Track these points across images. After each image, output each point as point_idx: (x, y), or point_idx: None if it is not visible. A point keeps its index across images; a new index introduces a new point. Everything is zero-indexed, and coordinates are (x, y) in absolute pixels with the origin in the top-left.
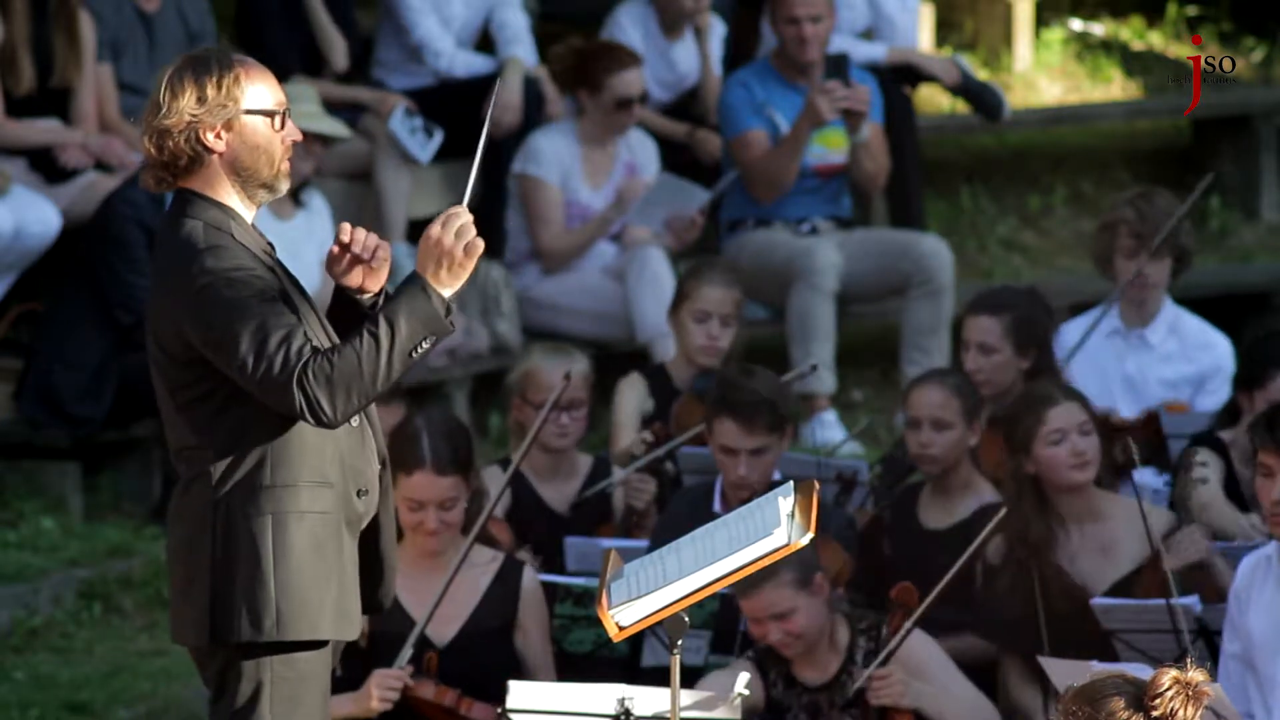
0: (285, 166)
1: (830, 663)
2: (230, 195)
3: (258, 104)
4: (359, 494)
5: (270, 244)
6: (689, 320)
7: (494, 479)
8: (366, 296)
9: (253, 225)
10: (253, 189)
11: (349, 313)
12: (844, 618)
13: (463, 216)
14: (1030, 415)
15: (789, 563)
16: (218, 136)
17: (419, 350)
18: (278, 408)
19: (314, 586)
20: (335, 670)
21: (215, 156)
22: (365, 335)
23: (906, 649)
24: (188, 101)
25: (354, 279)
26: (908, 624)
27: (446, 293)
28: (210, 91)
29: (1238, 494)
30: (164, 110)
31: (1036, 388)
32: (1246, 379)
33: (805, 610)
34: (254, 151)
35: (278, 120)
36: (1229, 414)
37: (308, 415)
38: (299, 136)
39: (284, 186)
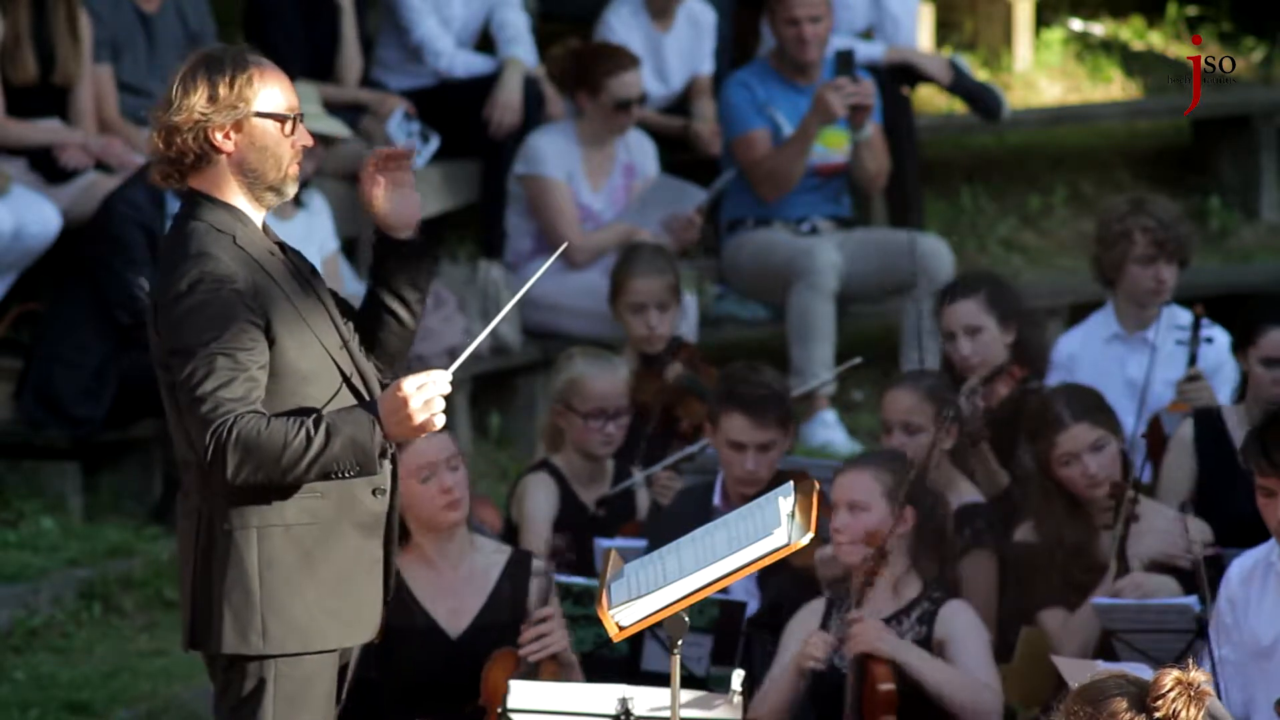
0: (294, 170)
1: (886, 609)
2: (237, 196)
3: (269, 107)
4: (375, 493)
5: (279, 243)
6: (626, 313)
7: (541, 484)
8: (406, 234)
9: (263, 225)
10: (259, 191)
11: (396, 264)
12: (920, 579)
13: (440, 387)
14: (1042, 439)
15: (892, 468)
16: (226, 137)
17: (340, 475)
18: (193, 438)
19: (303, 600)
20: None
21: (223, 157)
22: (303, 430)
23: (944, 619)
24: (199, 99)
25: (392, 208)
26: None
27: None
28: (222, 91)
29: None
30: (174, 106)
31: (1047, 408)
32: (1242, 339)
33: (878, 518)
34: (262, 154)
35: (289, 125)
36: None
37: (206, 462)
38: (310, 142)
39: (291, 190)
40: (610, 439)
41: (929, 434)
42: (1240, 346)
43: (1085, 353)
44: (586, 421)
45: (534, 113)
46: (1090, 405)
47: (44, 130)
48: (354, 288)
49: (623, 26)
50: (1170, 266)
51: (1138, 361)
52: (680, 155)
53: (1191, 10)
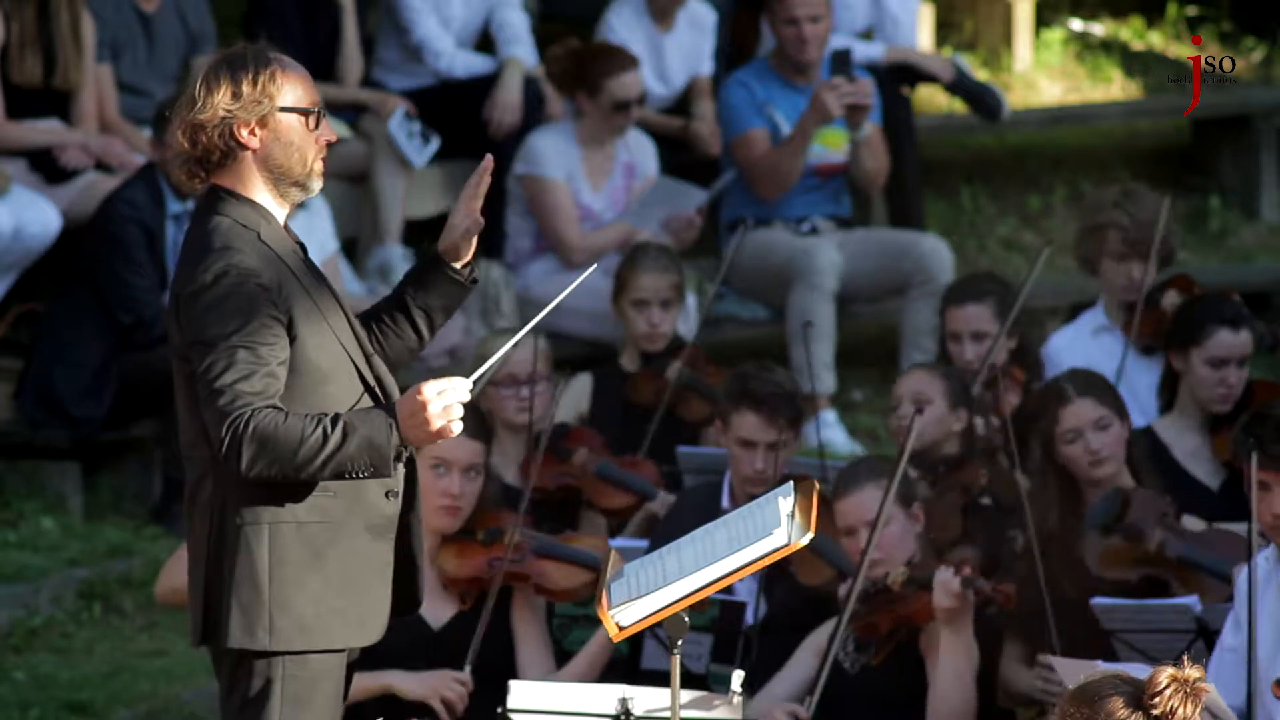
0: (319, 166)
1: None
2: (262, 193)
3: (293, 102)
4: (387, 495)
5: (301, 244)
6: (629, 309)
7: None
8: (460, 265)
9: (285, 225)
10: (285, 187)
11: (441, 284)
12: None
13: (459, 394)
14: (1046, 415)
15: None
16: (251, 133)
17: (354, 475)
18: (209, 430)
19: (312, 598)
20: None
21: (248, 153)
22: (320, 427)
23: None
24: (223, 97)
25: (463, 242)
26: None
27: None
28: (245, 88)
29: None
30: (199, 105)
31: (1051, 385)
32: (1183, 338)
33: (897, 524)
34: (287, 149)
35: (312, 119)
36: (1167, 386)
37: (220, 455)
38: (334, 137)
39: (316, 185)
40: (525, 404)
41: (937, 407)
42: (1177, 347)
43: (1074, 345)
44: (499, 389)
45: (534, 113)
46: (1096, 385)
47: (44, 131)
48: (354, 288)
49: (624, 27)
50: (1145, 265)
51: (1126, 354)
52: (680, 155)
53: (1191, 10)
